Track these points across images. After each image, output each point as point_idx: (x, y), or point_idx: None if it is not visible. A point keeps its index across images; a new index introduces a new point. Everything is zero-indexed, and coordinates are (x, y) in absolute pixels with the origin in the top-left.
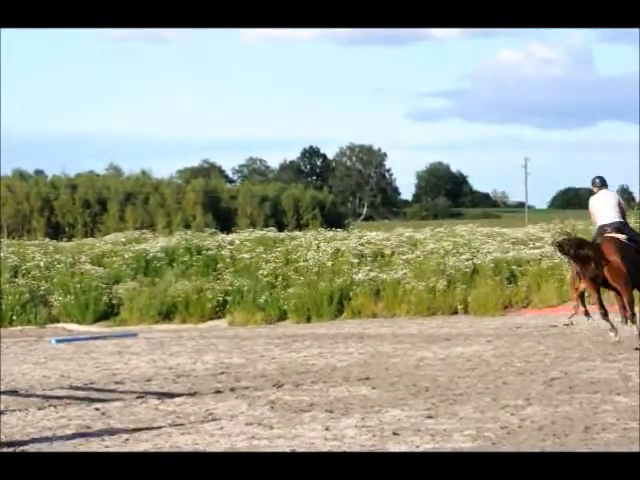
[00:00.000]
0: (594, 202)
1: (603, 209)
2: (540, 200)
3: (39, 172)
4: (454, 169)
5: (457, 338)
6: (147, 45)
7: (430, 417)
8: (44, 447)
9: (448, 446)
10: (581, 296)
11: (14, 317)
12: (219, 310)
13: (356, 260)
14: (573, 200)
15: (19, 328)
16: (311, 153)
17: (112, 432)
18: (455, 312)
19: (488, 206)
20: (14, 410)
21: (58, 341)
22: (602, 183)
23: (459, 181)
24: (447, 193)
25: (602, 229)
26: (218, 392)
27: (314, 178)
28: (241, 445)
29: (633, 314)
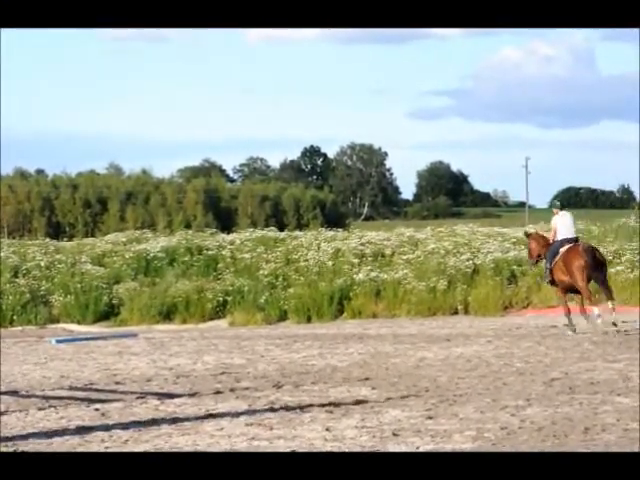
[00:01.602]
0: (557, 221)
1: (564, 227)
2: (541, 199)
3: (40, 171)
4: (455, 168)
5: (457, 338)
6: (147, 45)
7: (430, 418)
8: (43, 447)
9: (448, 447)
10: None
11: (15, 317)
12: (219, 310)
13: (357, 260)
14: (574, 199)
15: (19, 328)
16: (312, 152)
17: (112, 433)
18: (455, 312)
19: (489, 205)
20: (14, 411)
21: (58, 341)
22: (562, 206)
23: (460, 180)
24: (448, 192)
25: (564, 241)
26: (218, 392)
27: (315, 177)
28: (241, 446)
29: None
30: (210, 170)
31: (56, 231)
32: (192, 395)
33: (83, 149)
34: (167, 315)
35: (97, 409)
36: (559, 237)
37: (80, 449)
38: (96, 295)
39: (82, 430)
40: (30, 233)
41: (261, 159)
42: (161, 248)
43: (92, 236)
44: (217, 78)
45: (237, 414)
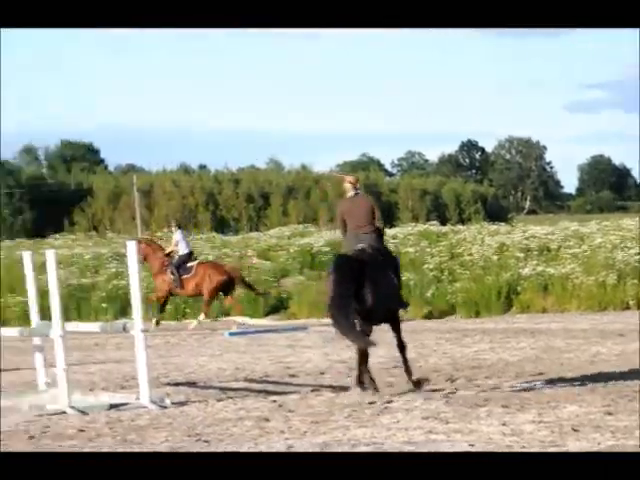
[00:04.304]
0: (177, 237)
1: (184, 242)
2: None
3: (202, 167)
4: (616, 162)
5: (632, 334)
6: (304, 42)
7: (609, 414)
8: (225, 437)
9: (630, 443)
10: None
11: (187, 310)
12: None
13: (522, 254)
14: None
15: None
16: (469, 146)
17: (290, 424)
18: (627, 307)
19: None
20: (194, 401)
21: (231, 334)
22: (179, 226)
23: (623, 174)
24: (611, 186)
25: (189, 255)
26: (392, 386)
27: (473, 171)
28: (418, 439)
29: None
30: (369, 164)
31: (221, 225)
32: (366, 388)
33: (243, 144)
34: None
35: (274, 401)
36: (182, 251)
37: (260, 440)
38: (265, 289)
39: (260, 421)
40: (196, 227)
41: (419, 153)
42: (325, 242)
43: (256, 230)
44: (376, 74)
45: (412, 407)
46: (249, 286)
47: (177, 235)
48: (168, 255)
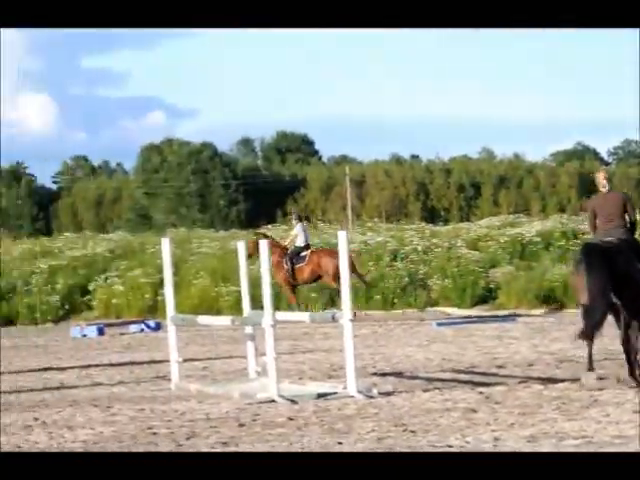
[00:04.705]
0: (297, 229)
1: (303, 235)
2: None
3: (414, 157)
4: None
5: None
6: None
7: None
8: (432, 428)
9: None
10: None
11: (395, 300)
12: None
13: None
14: None
15: (400, 311)
16: None
17: (497, 416)
18: None
19: None
20: (401, 392)
21: (439, 324)
22: (300, 219)
23: None
24: None
25: (304, 248)
26: (600, 379)
27: None
28: (629, 433)
29: None
30: (583, 153)
31: (431, 215)
32: (575, 380)
33: (456, 134)
34: (545, 300)
35: (481, 392)
36: (299, 243)
37: (467, 431)
38: (473, 279)
39: (467, 412)
40: (406, 217)
41: (636, 142)
42: (536, 232)
43: (467, 220)
44: (598, 61)
45: (623, 400)
46: (356, 273)
47: (297, 228)
48: (285, 248)
